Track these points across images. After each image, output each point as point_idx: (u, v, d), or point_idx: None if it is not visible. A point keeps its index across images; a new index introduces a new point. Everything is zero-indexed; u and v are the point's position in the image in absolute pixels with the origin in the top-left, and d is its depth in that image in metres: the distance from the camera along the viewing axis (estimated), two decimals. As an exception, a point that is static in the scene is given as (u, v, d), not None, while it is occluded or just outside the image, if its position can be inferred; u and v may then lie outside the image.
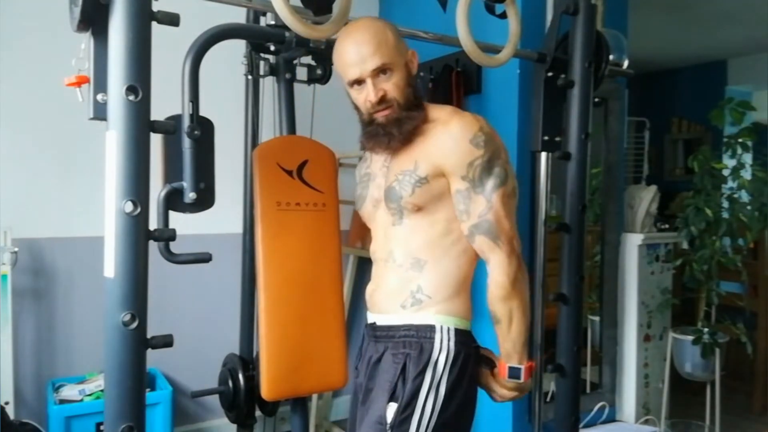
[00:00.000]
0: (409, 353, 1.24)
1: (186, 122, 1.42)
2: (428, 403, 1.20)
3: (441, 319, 1.24)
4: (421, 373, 1.21)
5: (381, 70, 1.24)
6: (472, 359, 1.27)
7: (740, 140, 2.93)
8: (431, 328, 1.24)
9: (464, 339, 1.26)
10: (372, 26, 1.26)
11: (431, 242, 1.27)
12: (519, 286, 1.23)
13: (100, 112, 1.22)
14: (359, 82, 1.26)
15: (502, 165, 1.24)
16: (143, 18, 1.18)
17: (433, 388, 1.21)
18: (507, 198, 1.25)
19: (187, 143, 1.41)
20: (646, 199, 2.92)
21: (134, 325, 1.17)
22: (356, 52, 1.24)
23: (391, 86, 1.25)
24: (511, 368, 1.29)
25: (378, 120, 1.26)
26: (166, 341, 1.24)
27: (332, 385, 1.95)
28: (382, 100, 1.24)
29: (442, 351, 1.22)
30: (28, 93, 2.37)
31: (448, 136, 1.23)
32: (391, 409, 1.21)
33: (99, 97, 1.22)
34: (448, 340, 1.23)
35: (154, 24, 1.22)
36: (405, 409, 1.20)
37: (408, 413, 1.19)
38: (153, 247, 1.25)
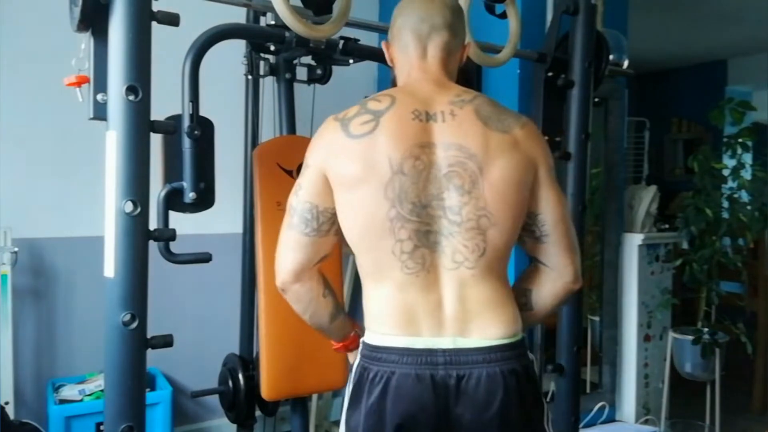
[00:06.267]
0: None
1: (186, 122, 1.42)
2: (343, 412, 1.14)
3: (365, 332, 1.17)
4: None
5: None
6: (369, 380, 1.07)
7: (740, 140, 2.93)
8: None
9: (369, 353, 1.10)
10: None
11: None
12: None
13: (100, 112, 1.22)
14: None
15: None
16: (143, 18, 1.18)
17: (346, 397, 1.14)
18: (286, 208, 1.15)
19: (187, 143, 1.41)
20: (646, 199, 2.92)
21: (134, 325, 1.17)
22: None
23: None
24: None
25: None
26: (166, 341, 1.24)
27: (332, 385, 1.95)
28: None
29: (353, 365, 1.15)
30: (28, 93, 2.37)
31: None
32: None
33: (99, 97, 1.22)
34: (359, 356, 1.13)
35: (154, 24, 1.22)
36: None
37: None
38: (153, 247, 1.25)
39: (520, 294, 1.22)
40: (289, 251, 1.13)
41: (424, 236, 1.07)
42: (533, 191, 1.14)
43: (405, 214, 1.06)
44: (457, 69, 1.24)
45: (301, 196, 1.12)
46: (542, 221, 1.15)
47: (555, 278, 1.18)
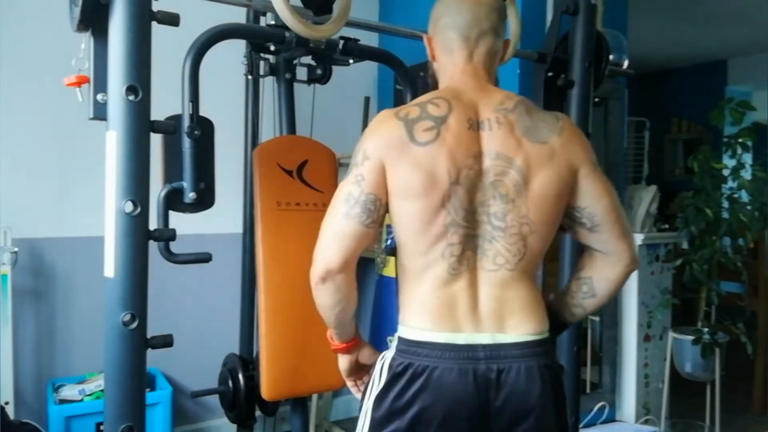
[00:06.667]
0: None
1: (186, 122, 1.42)
2: (363, 405, 1.16)
3: (399, 327, 1.19)
4: (370, 373, 1.19)
5: None
6: (409, 374, 1.09)
7: (740, 140, 2.93)
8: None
9: (407, 348, 1.12)
10: None
11: None
12: (314, 295, 1.17)
13: (100, 112, 1.22)
14: None
15: (350, 164, 1.15)
16: (143, 18, 1.18)
17: (368, 392, 1.16)
18: (333, 198, 1.14)
19: (187, 143, 1.41)
20: (646, 199, 2.92)
21: (134, 325, 1.17)
22: None
23: None
24: None
25: None
26: (166, 341, 1.25)
27: (332, 385, 1.95)
28: None
29: (386, 356, 1.16)
30: (28, 93, 2.37)
31: None
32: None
33: (99, 97, 1.22)
34: (395, 348, 1.15)
35: (154, 24, 1.22)
36: (360, 405, 1.19)
37: (360, 408, 1.19)
38: (153, 247, 1.25)
39: (581, 284, 1.25)
40: (343, 240, 1.12)
41: (471, 240, 1.12)
42: (577, 188, 1.16)
43: (459, 221, 1.10)
44: (498, 65, 1.26)
45: (365, 187, 1.11)
46: (591, 213, 1.17)
47: (614, 263, 1.21)
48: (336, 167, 1.99)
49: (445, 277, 1.11)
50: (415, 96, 1.39)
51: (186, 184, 1.41)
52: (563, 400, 1.15)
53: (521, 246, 1.12)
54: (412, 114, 1.12)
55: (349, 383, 1.33)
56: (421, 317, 1.12)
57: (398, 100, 1.61)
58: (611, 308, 2.94)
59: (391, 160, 1.10)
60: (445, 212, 1.09)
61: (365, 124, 2.97)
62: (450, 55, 1.21)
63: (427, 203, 1.09)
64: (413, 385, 1.09)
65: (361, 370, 1.30)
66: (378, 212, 1.12)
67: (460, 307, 1.11)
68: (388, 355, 1.15)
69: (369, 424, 1.13)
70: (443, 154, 1.08)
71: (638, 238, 2.88)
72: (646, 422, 2.91)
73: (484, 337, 1.10)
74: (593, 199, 1.16)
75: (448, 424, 1.08)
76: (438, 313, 1.11)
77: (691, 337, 2.81)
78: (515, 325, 1.12)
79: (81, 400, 2.29)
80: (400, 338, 1.15)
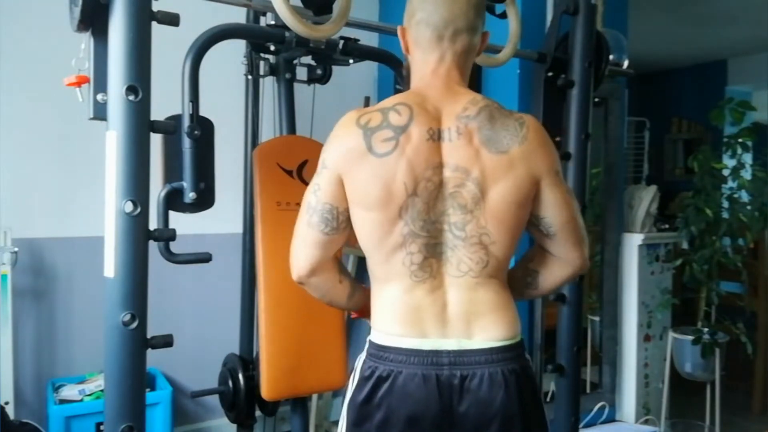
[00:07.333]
0: None
1: (186, 122, 1.42)
2: (342, 407, 1.17)
3: (371, 332, 1.20)
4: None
5: None
6: (375, 378, 1.10)
7: (740, 140, 2.93)
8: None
9: (375, 352, 1.13)
10: None
11: None
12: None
13: (100, 112, 1.22)
14: None
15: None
16: (143, 18, 1.18)
17: (346, 397, 1.17)
18: (302, 202, 1.17)
19: (187, 143, 1.41)
20: (646, 199, 2.92)
21: (134, 325, 1.17)
22: None
23: None
24: None
25: None
26: (166, 341, 1.25)
27: (332, 385, 1.95)
28: None
29: (358, 362, 1.17)
30: (28, 93, 2.37)
31: None
32: None
33: (99, 97, 1.22)
34: (366, 352, 1.16)
35: (154, 24, 1.22)
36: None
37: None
38: (153, 247, 1.25)
39: (527, 274, 1.26)
40: (307, 248, 1.15)
41: (432, 248, 1.11)
42: (537, 197, 1.15)
43: (416, 231, 1.10)
44: (473, 60, 1.23)
45: (321, 197, 1.13)
46: (549, 223, 1.17)
47: (563, 266, 1.22)
48: (336, 167, 1.99)
49: (409, 283, 1.12)
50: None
51: (186, 184, 1.41)
52: (534, 404, 1.14)
53: (483, 255, 1.11)
54: (372, 122, 1.10)
55: None
56: (389, 322, 1.13)
57: (398, 100, 1.59)
58: (611, 308, 2.94)
59: (348, 171, 1.10)
60: (402, 223, 1.09)
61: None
62: (423, 52, 1.18)
63: (384, 214, 1.09)
64: (379, 390, 1.10)
65: None
66: (337, 220, 1.13)
67: (428, 312, 1.11)
68: (361, 358, 1.17)
69: (345, 426, 1.15)
70: (401, 166, 1.07)
71: (638, 238, 2.88)
72: (646, 422, 2.91)
73: (450, 343, 1.10)
74: (553, 209, 1.15)
75: (414, 428, 1.09)
76: (405, 318, 1.11)
77: (691, 337, 2.81)
78: (483, 329, 1.11)
79: (81, 400, 2.29)
80: (370, 342, 1.16)
